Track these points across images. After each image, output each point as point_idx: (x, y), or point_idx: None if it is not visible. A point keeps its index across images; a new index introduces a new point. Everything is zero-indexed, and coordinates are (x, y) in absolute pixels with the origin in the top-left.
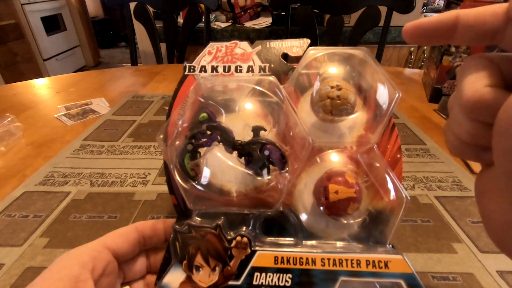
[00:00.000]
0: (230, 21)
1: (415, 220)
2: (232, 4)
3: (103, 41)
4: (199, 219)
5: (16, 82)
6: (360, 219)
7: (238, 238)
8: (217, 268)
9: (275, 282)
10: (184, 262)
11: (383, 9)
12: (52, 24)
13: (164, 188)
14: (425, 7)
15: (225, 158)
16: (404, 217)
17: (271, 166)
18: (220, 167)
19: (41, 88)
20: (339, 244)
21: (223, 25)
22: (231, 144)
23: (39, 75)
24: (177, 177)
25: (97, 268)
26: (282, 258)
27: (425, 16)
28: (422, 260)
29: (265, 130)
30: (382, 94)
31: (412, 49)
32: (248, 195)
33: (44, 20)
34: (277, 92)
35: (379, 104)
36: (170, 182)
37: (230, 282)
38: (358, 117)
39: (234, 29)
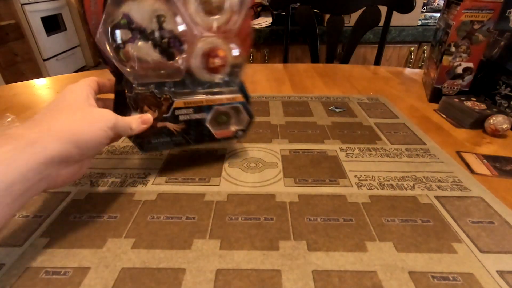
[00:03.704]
0: None
1: (415, 220)
2: None
3: None
4: (139, 87)
5: (16, 82)
6: (226, 72)
7: (164, 95)
8: (156, 111)
9: (184, 112)
10: (138, 110)
11: (383, 9)
12: (52, 24)
13: (165, 188)
14: (425, 7)
15: (146, 49)
16: (404, 217)
17: (176, 51)
18: (143, 54)
19: (41, 88)
20: (215, 90)
21: None
22: (147, 40)
23: (39, 75)
24: (118, 64)
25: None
26: (186, 102)
27: (425, 16)
28: (422, 260)
29: (164, 18)
30: None
31: (412, 49)
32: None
33: (44, 20)
34: None
35: None
36: (103, 57)
37: (164, 115)
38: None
39: None
